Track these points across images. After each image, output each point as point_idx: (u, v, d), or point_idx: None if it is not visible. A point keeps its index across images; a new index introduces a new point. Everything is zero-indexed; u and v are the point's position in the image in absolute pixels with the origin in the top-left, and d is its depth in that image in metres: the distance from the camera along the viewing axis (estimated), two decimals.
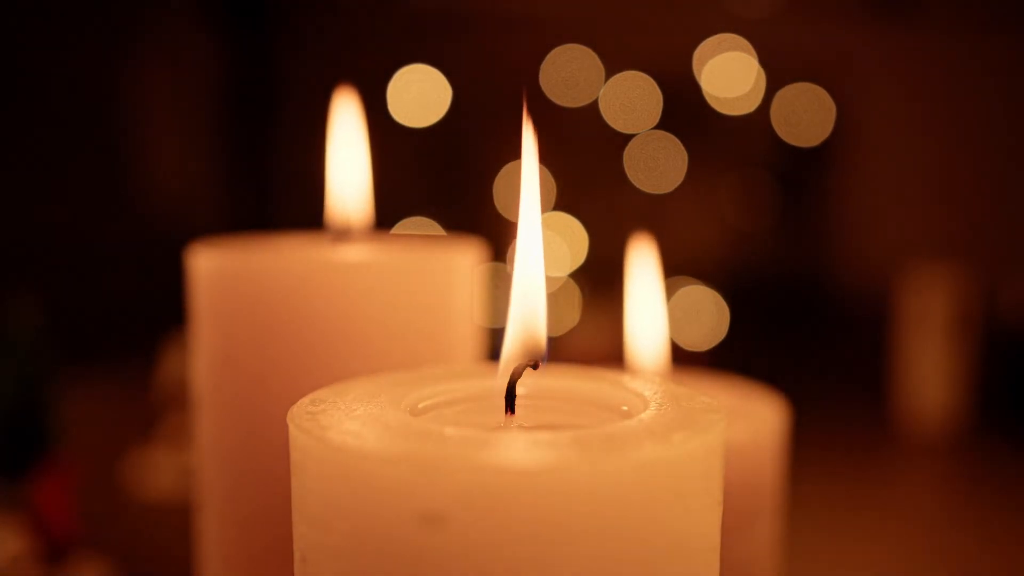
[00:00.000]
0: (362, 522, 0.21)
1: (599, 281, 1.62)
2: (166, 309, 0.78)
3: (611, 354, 0.42)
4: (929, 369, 1.14)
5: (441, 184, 1.86)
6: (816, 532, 0.77)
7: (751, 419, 0.38)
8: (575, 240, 1.72)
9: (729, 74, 1.77)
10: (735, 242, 1.88)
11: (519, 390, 0.26)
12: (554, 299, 1.62)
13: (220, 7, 1.82)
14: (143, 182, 1.71)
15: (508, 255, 0.27)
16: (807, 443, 0.58)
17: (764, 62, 1.76)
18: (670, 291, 1.70)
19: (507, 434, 0.23)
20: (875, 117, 1.83)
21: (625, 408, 0.26)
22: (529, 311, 0.26)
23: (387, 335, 0.35)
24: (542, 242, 0.26)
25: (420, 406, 0.26)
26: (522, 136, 0.26)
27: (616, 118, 1.79)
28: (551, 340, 0.26)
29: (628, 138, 1.79)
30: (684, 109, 1.79)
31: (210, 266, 0.37)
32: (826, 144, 1.82)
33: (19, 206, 1.45)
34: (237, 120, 1.87)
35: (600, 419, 0.27)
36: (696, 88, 1.78)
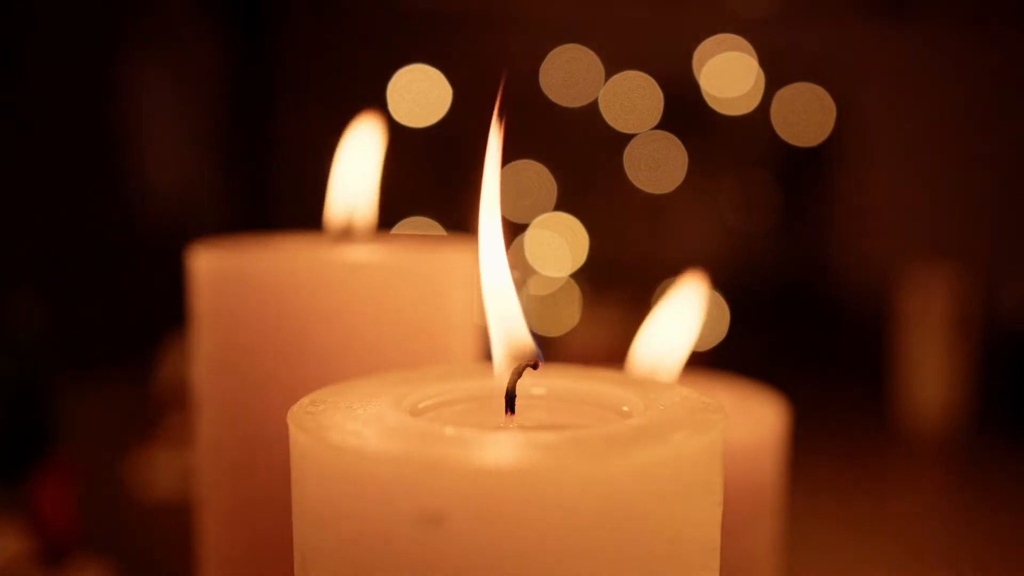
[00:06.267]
0: (362, 522, 0.21)
1: (599, 281, 1.62)
2: (166, 309, 0.78)
3: (611, 354, 0.42)
4: (929, 369, 1.14)
5: (441, 184, 1.86)
6: (816, 532, 0.77)
7: (751, 419, 0.38)
8: (575, 240, 1.72)
9: (729, 74, 1.77)
10: (735, 242, 1.88)
11: (519, 390, 0.26)
12: (554, 299, 1.62)
13: (220, 7, 1.82)
14: (143, 182, 1.71)
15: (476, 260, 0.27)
16: (807, 443, 0.58)
17: (764, 62, 1.76)
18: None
19: (507, 434, 0.23)
20: (875, 117, 1.83)
21: (625, 408, 0.26)
22: (507, 316, 0.26)
23: (387, 335, 0.35)
24: (503, 244, 0.26)
25: (420, 406, 0.26)
26: (497, 135, 0.26)
27: (616, 118, 1.79)
28: (550, 340, 0.26)
29: (628, 138, 1.79)
30: (684, 109, 1.79)
31: (210, 266, 0.37)
32: (826, 144, 1.82)
33: (19, 206, 1.45)
34: (237, 120, 1.87)
35: (600, 419, 0.27)
36: (696, 88, 1.78)
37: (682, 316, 0.38)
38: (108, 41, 1.63)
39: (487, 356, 0.27)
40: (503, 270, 0.26)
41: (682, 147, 1.78)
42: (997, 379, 1.20)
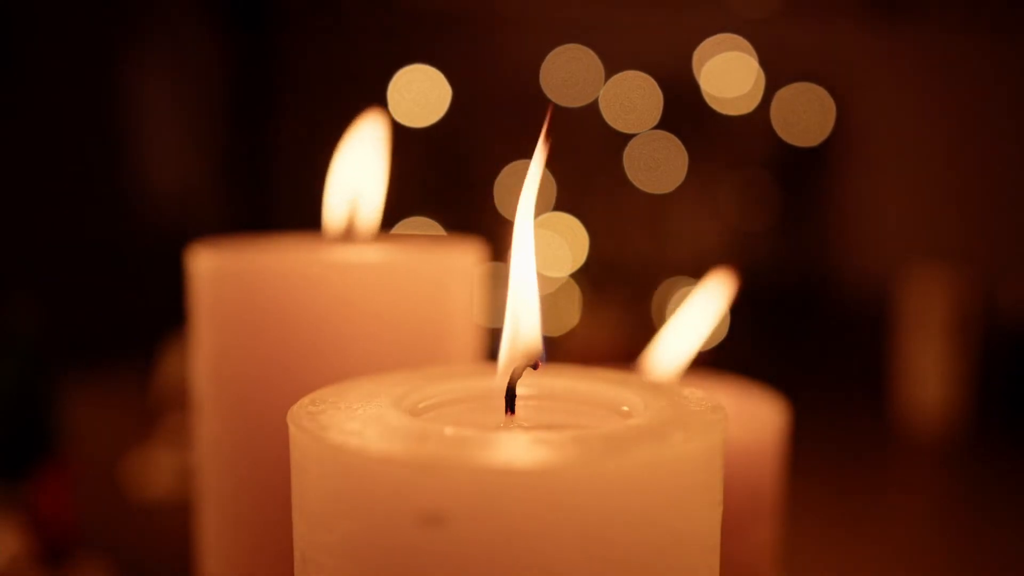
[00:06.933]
0: (362, 522, 0.21)
1: (599, 281, 1.62)
2: (166, 309, 0.78)
3: (611, 354, 0.42)
4: (929, 369, 1.14)
5: (441, 184, 1.86)
6: (816, 532, 0.77)
7: (751, 419, 0.38)
8: (575, 240, 1.72)
9: (729, 74, 1.77)
10: (735, 242, 1.88)
11: (519, 390, 0.26)
12: (554, 299, 1.62)
13: (220, 7, 1.82)
14: (143, 182, 1.71)
15: (505, 258, 0.27)
16: (807, 443, 0.58)
17: (764, 62, 1.76)
18: (670, 291, 1.70)
19: (507, 434, 0.23)
20: (875, 117, 1.83)
21: (625, 408, 0.26)
22: (523, 315, 0.26)
23: (387, 335, 0.35)
24: (534, 245, 0.26)
25: (420, 406, 0.26)
26: (535, 146, 0.26)
27: (616, 118, 1.79)
28: (550, 340, 0.27)
29: (628, 138, 1.79)
30: (684, 109, 1.79)
31: (210, 266, 0.37)
32: (826, 144, 1.82)
33: (19, 206, 1.45)
34: (237, 120, 1.87)
35: (600, 419, 0.27)
36: (696, 88, 1.78)
37: (700, 317, 0.38)
38: (108, 41, 1.63)
39: (491, 351, 0.27)
40: (530, 269, 0.26)
41: (682, 147, 1.78)
42: (997, 379, 1.20)
